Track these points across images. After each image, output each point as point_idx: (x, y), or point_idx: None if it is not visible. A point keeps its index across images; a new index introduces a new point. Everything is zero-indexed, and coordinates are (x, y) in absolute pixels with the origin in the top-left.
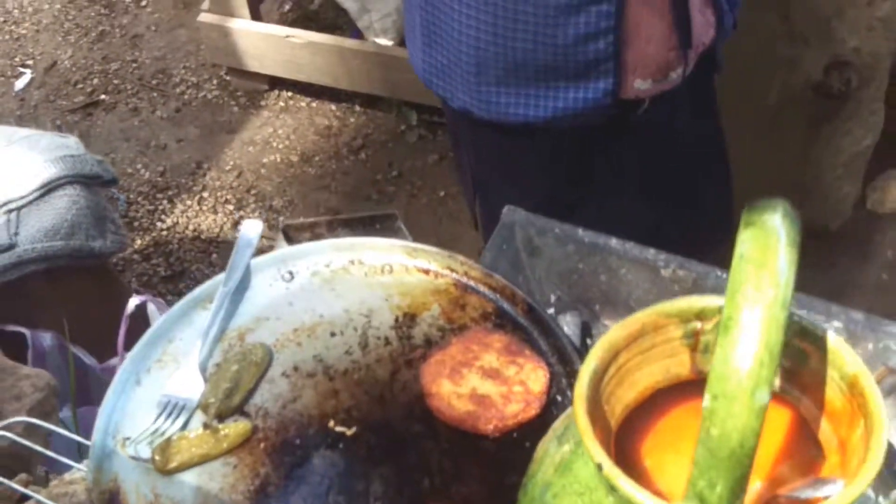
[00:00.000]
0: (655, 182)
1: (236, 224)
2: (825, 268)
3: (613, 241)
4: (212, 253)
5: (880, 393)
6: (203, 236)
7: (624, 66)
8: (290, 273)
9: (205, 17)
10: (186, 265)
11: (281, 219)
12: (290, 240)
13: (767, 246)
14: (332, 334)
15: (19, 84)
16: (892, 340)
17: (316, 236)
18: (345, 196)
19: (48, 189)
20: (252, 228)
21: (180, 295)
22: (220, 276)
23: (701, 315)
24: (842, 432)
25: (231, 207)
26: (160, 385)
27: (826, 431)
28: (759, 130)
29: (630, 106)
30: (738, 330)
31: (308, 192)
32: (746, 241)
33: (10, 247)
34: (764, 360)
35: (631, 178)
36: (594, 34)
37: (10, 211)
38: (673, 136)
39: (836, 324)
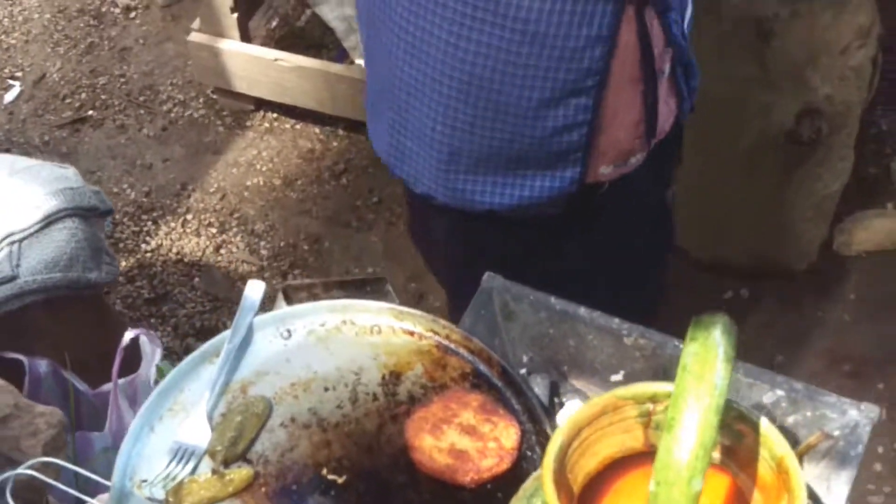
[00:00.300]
0: (612, 257)
1: (219, 248)
2: (790, 307)
3: (582, 310)
4: (194, 276)
5: (803, 473)
6: (186, 259)
7: (593, 154)
8: (289, 331)
9: (195, 37)
10: (169, 288)
11: (263, 243)
12: (289, 299)
13: (707, 360)
14: (326, 389)
15: (8, 97)
16: (828, 409)
17: (312, 296)
18: (325, 221)
19: (49, 222)
20: (255, 290)
21: (163, 318)
22: (226, 333)
23: (653, 398)
24: None
25: (214, 231)
26: (172, 432)
27: (757, 501)
28: (733, 173)
29: (591, 189)
30: (679, 430)
31: (289, 216)
32: (690, 356)
33: (12, 278)
34: (699, 455)
35: (589, 254)
36: (570, 126)
37: (12, 243)
38: (628, 215)
39: (780, 392)
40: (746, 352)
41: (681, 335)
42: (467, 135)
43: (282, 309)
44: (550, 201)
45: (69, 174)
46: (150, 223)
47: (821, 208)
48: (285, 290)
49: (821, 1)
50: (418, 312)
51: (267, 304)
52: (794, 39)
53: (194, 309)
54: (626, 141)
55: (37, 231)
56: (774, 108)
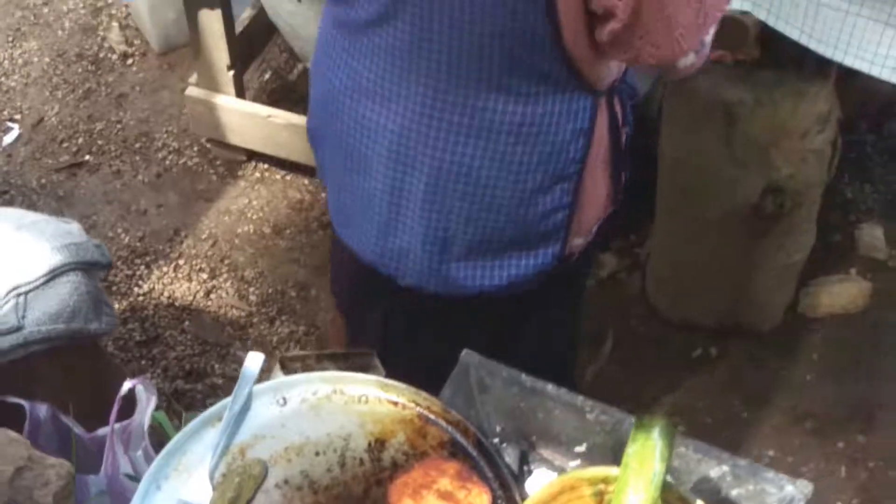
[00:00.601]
0: (570, 318)
1: (209, 293)
2: (755, 367)
3: (549, 387)
4: (184, 320)
5: None
6: (177, 303)
7: (572, 230)
8: (284, 399)
9: (192, 91)
10: (160, 331)
11: (252, 289)
12: (285, 368)
13: (644, 459)
14: (317, 454)
15: (7, 139)
16: (768, 484)
17: (306, 367)
18: (313, 270)
19: (54, 275)
20: (254, 362)
21: (153, 360)
22: (227, 400)
23: (605, 480)
24: None
25: (205, 276)
26: (177, 491)
27: None
28: (703, 240)
29: (564, 261)
30: None
31: (278, 264)
32: (631, 455)
33: (18, 329)
34: None
35: (551, 325)
36: (556, 208)
37: (18, 295)
38: (584, 279)
39: (725, 467)
40: (714, 407)
41: (653, 390)
42: (461, 227)
43: (278, 378)
44: (535, 277)
45: (73, 229)
46: (142, 267)
47: (784, 275)
48: (282, 361)
49: (783, 90)
50: (402, 385)
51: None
52: (759, 124)
53: (184, 352)
54: (597, 214)
55: (42, 284)
56: (741, 184)
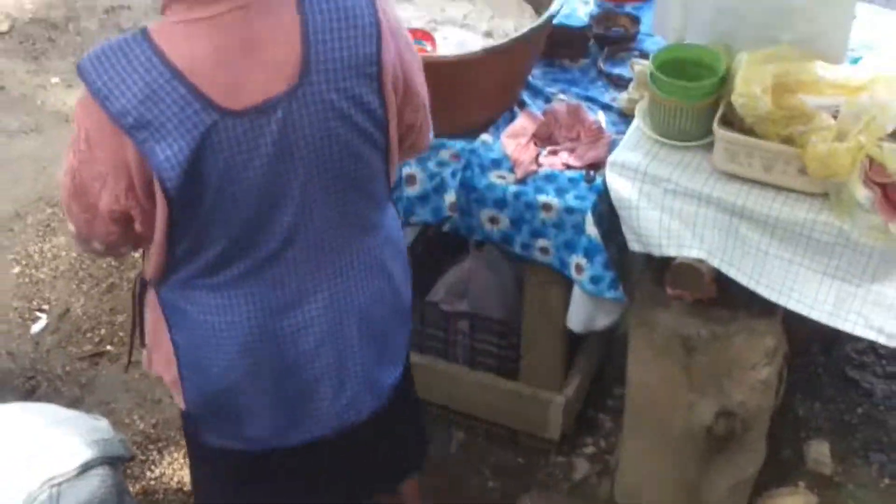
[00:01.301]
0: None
1: None
2: None
3: None
4: None
5: None
6: (185, 489)
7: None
8: None
9: None
10: None
11: None
12: None
13: None
14: None
15: (35, 328)
16: None
17: None
18: None
19: (85, 468)
20: None
21: None
22: None
23: None
24: None
25: None
26: None
27: None
28: (663, 454)
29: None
30: None
31: None
32: None
33: None
34: None
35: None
36: (407, 292)
37: (52, 486)
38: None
39: None
40: None
41: None
42: (384, 345)
43: None
44: (409, 352)
45: (102, 425)
46: (155, 453)
47: (738, 488)
48: None
49: (735, 326)
50: None
51: None
52: (713, 355)
53: None
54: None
55: (74, 476)
56: (697, 408)
